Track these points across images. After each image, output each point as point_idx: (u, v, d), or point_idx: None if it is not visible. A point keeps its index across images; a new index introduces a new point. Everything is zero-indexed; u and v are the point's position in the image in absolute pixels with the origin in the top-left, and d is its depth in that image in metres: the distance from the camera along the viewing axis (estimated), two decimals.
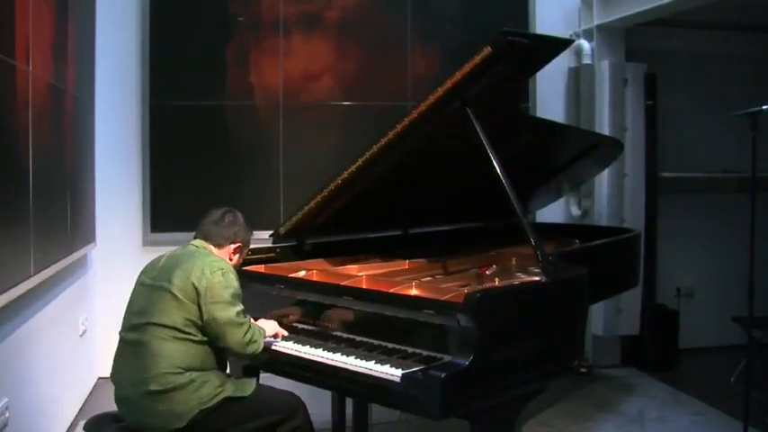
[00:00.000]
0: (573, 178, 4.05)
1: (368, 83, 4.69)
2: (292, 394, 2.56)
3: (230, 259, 2.65)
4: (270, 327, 2.61)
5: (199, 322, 2.40)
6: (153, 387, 2.33)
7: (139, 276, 2.59)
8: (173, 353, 2.36)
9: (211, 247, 2.62)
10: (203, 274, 2.42)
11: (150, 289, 2.47)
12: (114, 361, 2.50)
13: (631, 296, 4.55)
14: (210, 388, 2.37)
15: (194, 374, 2.37)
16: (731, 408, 3.81)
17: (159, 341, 2.37)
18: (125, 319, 2.53)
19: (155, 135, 4.45)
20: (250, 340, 2.44)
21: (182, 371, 2.35)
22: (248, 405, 2.42)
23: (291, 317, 2.72)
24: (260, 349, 2.47)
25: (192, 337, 2.40)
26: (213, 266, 2.46)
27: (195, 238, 2.66)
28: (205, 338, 2.43)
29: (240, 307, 2.46)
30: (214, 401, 2.36)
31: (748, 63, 5.24)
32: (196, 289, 2.40)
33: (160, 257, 2.60)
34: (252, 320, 2.62)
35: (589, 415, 3.95)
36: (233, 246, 2.65)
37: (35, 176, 2.84)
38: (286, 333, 2.63)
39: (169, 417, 2.32)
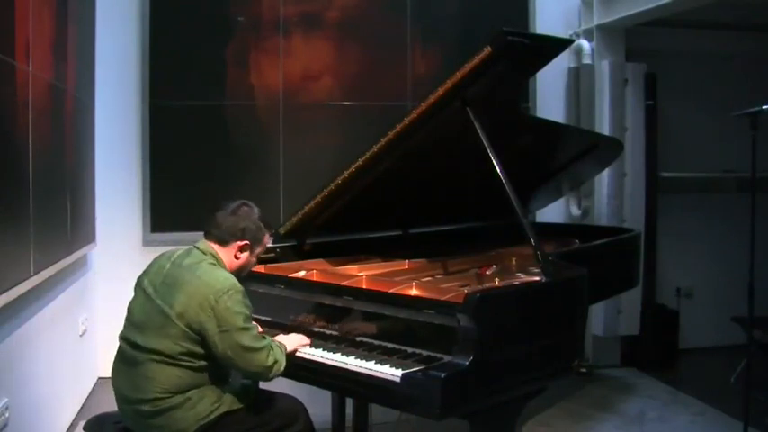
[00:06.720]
0: (573, 178, 4.04)
1: (368, 83, 4.69)
2: (293, 398, 2.52)
3: (236, 258, 2.44)
4: (291, 341, 2.47)
5: (200, 350, 2.26)
6: (146, 408, 2.26)
7: (143, 277, 2.43)
8: (168, 378, 2.25)
9: (216, 246, 2.42)
10: (207, 300, 2.23)
11: (151, 303, 2.31)
12: (114, 365, 2.43)
13: (631, 296, 4.55)
14: (207, 404, 2.28)
15: (190, 392, 2.27)
16: (731, 408, 3.81)
17: (155, 365, 2.25)
18: (125, 326, 2.40)
19: (155, 135, 4.44)
20: (274, 362, 2.30)
21: (175, 394, 2.26)
22: (248, 414, 2.36)
23: (291, 317, 2.71)
24: (282, 369, 2.32)
25: (190, 364, 2.27)
26: (217, 290, 2.25)
27: (205, 233, 2.47)
28: (204, 363, 2.29)
29: (254, 330, 2.30)
30: (212, 417, 2.28)
31: (748, 63, 5.24)
32: (201, 320, 2.23)
33: (167, 259, 2.42)
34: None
35: (589, 415, 3.95)
36: (238, 243, 2.43)
37: (35, 176, 2.84)
38: (309, 341, 2.53)
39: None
